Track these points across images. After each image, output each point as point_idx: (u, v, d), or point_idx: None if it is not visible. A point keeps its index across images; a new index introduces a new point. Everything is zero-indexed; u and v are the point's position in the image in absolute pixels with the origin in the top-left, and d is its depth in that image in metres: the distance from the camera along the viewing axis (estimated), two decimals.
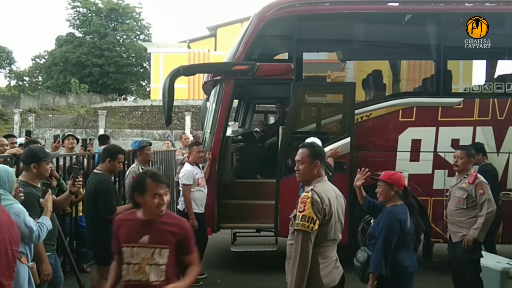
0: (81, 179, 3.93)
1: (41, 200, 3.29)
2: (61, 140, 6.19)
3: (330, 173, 4.79)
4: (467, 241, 4.25)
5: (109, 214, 4.05)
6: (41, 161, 3.51)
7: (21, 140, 6.73)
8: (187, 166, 5.44)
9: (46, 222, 3.15)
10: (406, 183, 3.44)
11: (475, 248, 4.31)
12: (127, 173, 5.23)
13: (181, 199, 5.47)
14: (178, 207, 5.57)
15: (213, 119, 5.89)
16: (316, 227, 2.55)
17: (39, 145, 5.24)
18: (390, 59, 7.11)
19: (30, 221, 2.99)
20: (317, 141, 5.09)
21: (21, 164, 4.58)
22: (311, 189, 2.64)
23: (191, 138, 9.34)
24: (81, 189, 4.13)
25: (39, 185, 3.57)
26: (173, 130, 27.36)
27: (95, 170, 4.33)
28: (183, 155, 8.30)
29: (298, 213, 2.59)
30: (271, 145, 6.74)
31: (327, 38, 6.68)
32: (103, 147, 5.70)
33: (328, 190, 2.70)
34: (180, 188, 5.49)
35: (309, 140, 4.97)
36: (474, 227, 4.25)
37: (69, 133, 6.54)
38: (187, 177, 5.34)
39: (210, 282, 5.51)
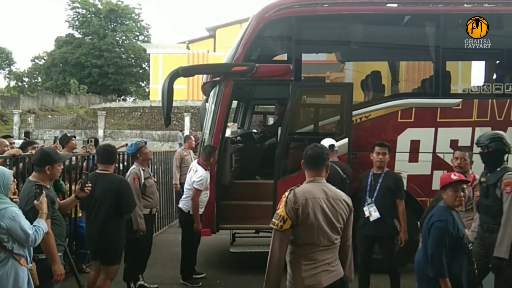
0: (90, 184, 3.94)
1: (35, 202, 3.24)
2: (58, 141, 6.23)
3: (345, 175, 4.76)
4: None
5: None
6: (55, 163, 3.53)
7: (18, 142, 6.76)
8: (202, 171, 5.32)
9: (41, 225, 3.11)
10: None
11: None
12: (127, 174, 5.20)
13: (186, 200, 5.46)
14: (180, 206, 5.54)
15: (212, 120, 5.88)
16: (287, 226, 2.55)
17: (37, 145, 5.29)
18: (389, 60, 7.12)
19: (26, 224, 2.97)
20: (333, 142, 5.10)
21: (18, 163, 4.63)
22: (291, 189, 2.65)
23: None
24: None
25: (49, 186, 3.57)
26: (172, 130, 27.33)
27: (107, 172, 4.33)
28: (183, 157, 8.29)
29: (276, 211, 2.62)
30: (270, 146, 6.74)
31: (326, 39, 6.68)
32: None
33: (311, 191, 2.64)
34: (186, 190, 5.51)
35: (325, 141, 5.00)
36: (469, 232, 4.24)
37: (71, 134, 6.60)
38: (203, 183, 5.29)
39: (210, 282, 5.52)
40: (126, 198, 4.25)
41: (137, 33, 53.08)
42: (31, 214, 3.21)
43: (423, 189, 5.70)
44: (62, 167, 3.87)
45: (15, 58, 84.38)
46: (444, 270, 3.06)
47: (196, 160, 5.64)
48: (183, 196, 5.59)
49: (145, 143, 5.35)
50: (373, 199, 4.62)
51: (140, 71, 52.95)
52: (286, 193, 2.63)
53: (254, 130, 8.24)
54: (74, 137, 6.46)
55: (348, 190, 4.40)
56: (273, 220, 2.60)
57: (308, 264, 2.62)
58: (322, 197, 2.65)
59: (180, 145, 23.94)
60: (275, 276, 2.56)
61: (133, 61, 51.93)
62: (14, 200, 3.15)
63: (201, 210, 5.44)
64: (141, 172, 5.06)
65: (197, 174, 5.32)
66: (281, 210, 2.59)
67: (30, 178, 3.56)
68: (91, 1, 50.02)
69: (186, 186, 5.59)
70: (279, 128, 5.90)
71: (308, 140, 4.65)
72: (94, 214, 4.23)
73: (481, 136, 4.21)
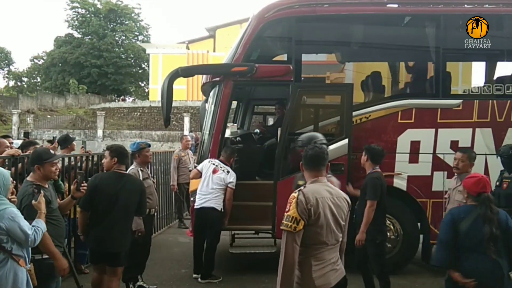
0: (85, 184, 3.92)
1: (33, 202, 3.22)
2: (57, 142, 6.24)
3: None
4: None
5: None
6: (45, 162, 3.50)
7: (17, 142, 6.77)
8: (233, 172, 5.62)
9: (40, 225, 3.10)
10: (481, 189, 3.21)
11: None
12: None
13: (218, 199, 5.51)
14: (213, 205, 5.49)
15: (212, 120, 5.86)
16: (300, 227, 2.54)
17: (38, 145, 5.28)
18: (389, 60, 7.11)
19: (25, 225, 2.95)
20: (320, 136, 5.05)
21: (17, 164, 4.61)
22: (299, 189, 2.64)
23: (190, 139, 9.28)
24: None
25: (47, 186, 3.55)
26: (172, 131, 27.28)
27: (125, 171, 4.34)
28: (180, 158, 8.28)
29: (284, 213, 2.61)
30: (270, 147, 6.71)
31: (326, 40, 6.66)
32: None
33: (318, 191, 2.66)
34: (213, 189, 5.50)
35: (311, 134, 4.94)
36: None
37: (72, 136, 6.63)
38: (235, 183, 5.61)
39: (209, 283, 5.48)
40: (145, 198, 4.38)
41: (137, 33, 53.02)
42: (25, 213, 3.18)
43: (423, 190, 5.69)
44: (57, 166, 3.78)
45: (14, 58, 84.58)
46: None
47: (219, 160, 5.66)
48: (211, 196, 5.50)
49: (148, 145, 5.32)
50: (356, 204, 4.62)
51: (140, 71, 52.87)
52: (295, 194, 2.61)
53: (257, 131, 8.20)
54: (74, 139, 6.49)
55: None
56: (285, 222, 2.56)
57: (318, 264, 2.63)
58: (328, 197, 2.68)
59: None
60: (290, 278, 2.54)
61: (132, 61, 51.85)
62: (12, 200, 3.14)
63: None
64: (140, 172, 5.04)
65: (230, 175, 5.55)
66: (292, 211, 2.56)
67: (28, 178, 3.56)
68: (90, 1, 49.93)
69: (212, 186, 5.51)
70: (279, 129, 5.89)
71: None
72: (114, 215, 4.03)
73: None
